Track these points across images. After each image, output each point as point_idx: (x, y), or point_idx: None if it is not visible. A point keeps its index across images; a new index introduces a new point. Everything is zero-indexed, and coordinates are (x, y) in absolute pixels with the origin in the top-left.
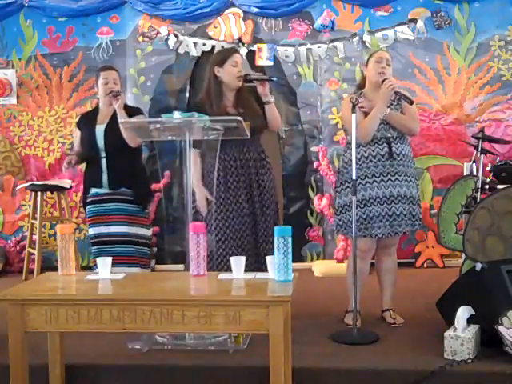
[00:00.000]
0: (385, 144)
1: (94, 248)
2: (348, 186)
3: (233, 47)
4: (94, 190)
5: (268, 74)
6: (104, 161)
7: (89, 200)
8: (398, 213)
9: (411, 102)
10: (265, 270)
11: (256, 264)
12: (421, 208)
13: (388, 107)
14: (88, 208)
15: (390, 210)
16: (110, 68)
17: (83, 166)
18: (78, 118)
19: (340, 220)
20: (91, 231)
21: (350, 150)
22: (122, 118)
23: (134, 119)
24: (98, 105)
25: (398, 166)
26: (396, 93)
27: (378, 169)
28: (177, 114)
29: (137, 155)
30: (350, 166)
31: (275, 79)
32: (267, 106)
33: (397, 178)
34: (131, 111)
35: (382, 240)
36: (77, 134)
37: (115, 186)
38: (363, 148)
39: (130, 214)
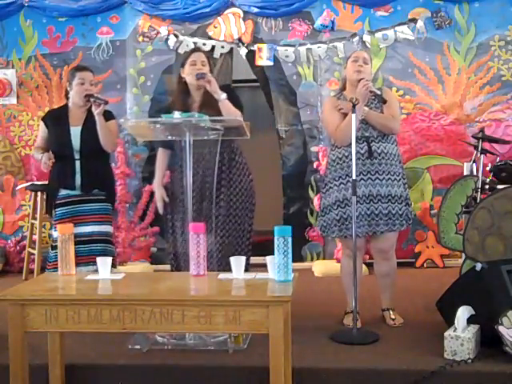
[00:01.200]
0: (365, 143)
1: (54, 252)
2: (331, 187)
3: (195, 47)
4: (64, 192)
5: (268, 74)
6: (78, 163)
7: (59, 202)
8: (376, 212)
9: (384, 102)
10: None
11: (218, 265)
12: (409, 207)
13: (367, 106)
14: (58, 210)
15: (368, 209)
16: (86, 69)
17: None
18: (44, 114)
19: (324, 221)
20: (57, 234)
21: (334, 150)
22: (101, 125)
23: (133, 120)
24: (66, 104)
25: (378, 164)
26: (370, 91)
27: (358, 168)
28: (177, 114)
29: (108, 158)
30: (334, 166)
31: (212, 81)
32: (219, 103)
33: (377, 177)
34: (106, 116)
35: (377, 243)
36: (42, 129)
37: (88, 188)
38: (344, 147)
39: (101, 212)
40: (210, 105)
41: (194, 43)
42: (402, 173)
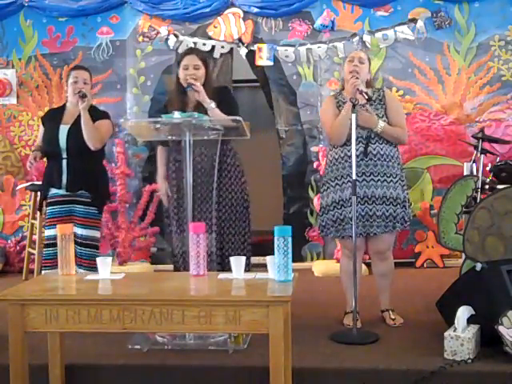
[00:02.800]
0: (361, 144)
1: (46, 250)
2: (328, 187)
3: (189, 48)
4: (53, 191)
5: (268, 74)
6: (65, 161)
7: (49, 201)
8: (370, 213)
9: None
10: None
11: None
12: (406, 209)
13: (378, 111)
14: (49, 209)
15: (363, 210)
16: (81, 68)
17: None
18: (44, 113)
19: (323, 221)
20: (48, 232)
21: (332, 150)
22: (85, 119)
23: (133, 120)
24: (65, 103)
25: (374, 166)
26: (358, 90)
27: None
28: (177, 114)
29: (98, 158)
30: (331, 166)
31: (200, 92)
32: (209, 111)
33: (372, 179)
34: (97, 114)
35: (374, 244)
36: (41, 128)
37: (73, 188)
38: (340, 148)
39: (84, 216)
40: (204, 106)
41: (194, 43)
42: (400, 174)
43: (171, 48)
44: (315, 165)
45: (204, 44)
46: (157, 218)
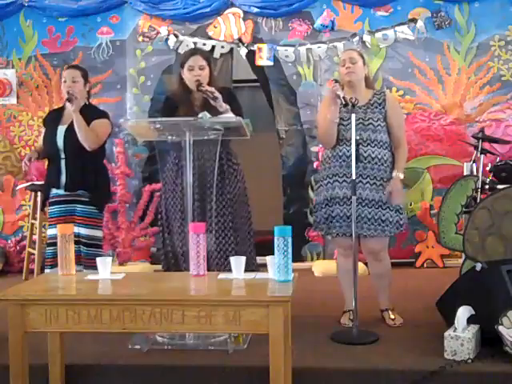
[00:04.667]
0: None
1: (48, 248)
2: (321, 185)
3: (194, 49)
4: (54, 191)
5: (268, 75)
6: (63, 162)
7: (51, 200)
8: (362, 215)
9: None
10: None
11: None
12: (399, 213)
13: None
14: (50, 209)
15: (348, 211)
16: (71, 67)
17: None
18: (46, 115)
19: (316, 217)
20: (50, 232)
21: (325, 150)
22: (77, 121)
23: (133, 120)
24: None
25: (363, 168)
26: (337, 95)
27: (342, 169)
28: (206, 114)
29: (98, 157)
30: (323, 165)
31: (218, 100)
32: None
33: (361, 181)
34: (94, 114)
35: (367, 245)
36: (43, 130)
37: (72, 188)
38: (333, 147)
39: (87, 215)
40: (210, 106)
41: (194, 43)
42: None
43: (171, 48)
44: (315, 165)
45: (204, 44)
46: (157, 218)
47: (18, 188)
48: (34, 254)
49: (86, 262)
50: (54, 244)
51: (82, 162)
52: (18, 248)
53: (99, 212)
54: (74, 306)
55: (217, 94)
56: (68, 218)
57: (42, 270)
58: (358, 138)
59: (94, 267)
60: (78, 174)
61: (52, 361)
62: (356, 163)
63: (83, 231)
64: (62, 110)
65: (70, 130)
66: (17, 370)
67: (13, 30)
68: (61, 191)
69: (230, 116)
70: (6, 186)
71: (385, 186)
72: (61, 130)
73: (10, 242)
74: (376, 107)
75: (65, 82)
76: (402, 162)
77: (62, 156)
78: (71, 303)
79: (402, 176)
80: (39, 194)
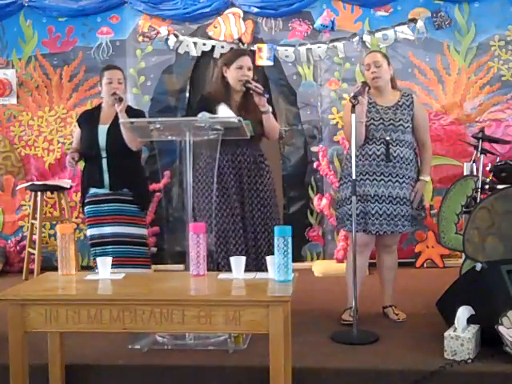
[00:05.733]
0: (382, 145)
1: (93, 249)
2: (345, 182)
3: (243, 49)
4: (93, 190)
5: (268, 74)
6: (105, 161)
7: (87, 200)
8: (395, 213)
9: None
10: (264, 270)
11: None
12: (421, 210)
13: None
14: (87, 208)
15: (388, 209)
16: (114, 67)
17: (82, 164)
18: (78, 115)
19: (339, 214)
20: (89, 232)
21: (350, 148)
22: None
23: (133, 119)
24: (101, 104)
25: (393, 167)
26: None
27: (372, 168)
28: (223, 106)
29: (137, 156)
30: (349, 162)
31: (267, 96)
32: (264, 115)
33: (390, 180)
34: (133, 114)
35: (382, 239)
36: (77, 131)
37: (116, 187)
38: (361, 146)
39: (129, 214)
40: (248, 108)
41: (194, 43)
42: (415, 177)
43: (171, 48)
44: (315, 165)
45: (204, 44)
46: (157, 218)
47: (18, 188)
48: (33, 254)
49: (133, 261)
50: (97, 244)
51: (124, 161)
52: (18, 248)
53: (141, 210)
54: (74, 306)
55: (260, 90)
56: (108, 218)
57: (42, 270)
58: (388, 138)
59: (142, 265)
60: (121, 172)
61: (52, 361)
62: (386, 162)
63: (129, 230)
64: (96, 109)
65: (112, 129)
66: (17, 370)
67: (13, 30)
68: (100, 190)
69: (230, 116)
70: (6, 186)
71: (409, 184)
72: (102, 129)
73: (10, 241)
74: (405, 109)
75: (110, 83)
76: (429, 164)
77: (104, 155)
78: (71, 303)
79: (428, 178)
80: (41, 194)
